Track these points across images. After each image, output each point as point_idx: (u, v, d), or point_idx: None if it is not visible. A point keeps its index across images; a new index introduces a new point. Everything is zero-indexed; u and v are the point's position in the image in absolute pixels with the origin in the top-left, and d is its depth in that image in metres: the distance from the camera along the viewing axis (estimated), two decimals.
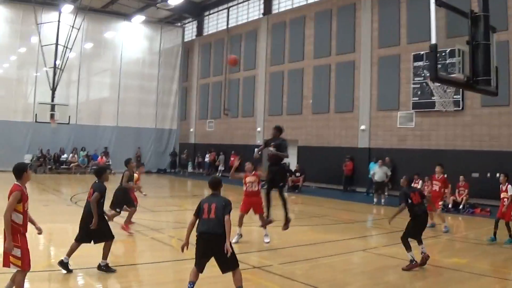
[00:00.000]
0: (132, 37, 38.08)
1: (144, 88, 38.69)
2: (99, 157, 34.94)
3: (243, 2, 36.30)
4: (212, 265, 7.24)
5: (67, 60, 31.84)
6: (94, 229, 8.59)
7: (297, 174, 27.17)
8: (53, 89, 30.98)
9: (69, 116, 31.14)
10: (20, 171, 6.80)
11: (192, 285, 7.02)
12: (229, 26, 37.28)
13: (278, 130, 12.19)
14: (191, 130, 41.26)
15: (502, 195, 12.90)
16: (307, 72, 29.97)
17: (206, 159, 36.92)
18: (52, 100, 30.66)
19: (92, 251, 9.42)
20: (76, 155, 34.33)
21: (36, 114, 30.45)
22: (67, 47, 31.48)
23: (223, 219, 6.98)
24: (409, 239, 9.87)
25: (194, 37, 41.96)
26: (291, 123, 30.59)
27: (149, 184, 28.28)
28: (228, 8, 37.55)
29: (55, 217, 14.29)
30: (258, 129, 33.48)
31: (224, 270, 7.17)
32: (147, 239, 12.36)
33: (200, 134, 40.23)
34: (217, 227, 6.97)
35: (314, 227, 15.24)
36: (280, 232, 12.98)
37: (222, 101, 37.25)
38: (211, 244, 7.03)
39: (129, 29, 37.94)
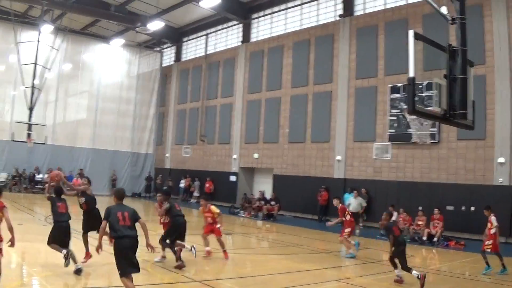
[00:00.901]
0: (110, 60, 38.07)
1: (121, 111, 38.58)
2: (74, 178, 34.49)
3: (222, 29, 36.45)
4: None
5: (45, 80, 31.77)
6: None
7: (272, 202, 27.01)
8: (31, 109, 30.63)
9: (46, 136, 30.78)
10: None
11: None
12: (207, 52, 37.36)
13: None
14: (167, 155, 41.04)
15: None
16: (284, 101, 30.03)
17: (182, 185, 36.57)
18: (29, 120, 30.31)
19: (61, 273, 9.72)
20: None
21: (13, 133, 30.14)
22: (45, 67, 31.48)
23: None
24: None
25: (172, 62, 42.02)
26: (267, 152, 30.73)
27: None
28: (207, 35, 37.67)
29: (28, 236, 14.22)
30: (234, 156, 33.38)
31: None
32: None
33: (176, 160, 40.01)
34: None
35: (289, 256, 15.13)
36: (254, 260, 13.29)
37: (198, 127, 37.11)
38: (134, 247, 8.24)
39: (108, 52, 37.95)
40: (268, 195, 28.25)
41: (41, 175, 33.90)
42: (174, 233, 12.11)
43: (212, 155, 35.78)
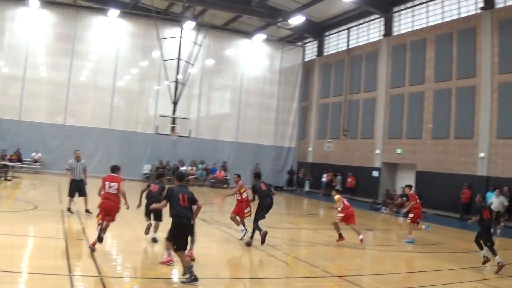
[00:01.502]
0: (253, 55, 41.41)
1: (264, 106, 41.80)
2: (218, 171, 37.93)
3: (364, 23, 38.23)
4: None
5: (188, 75, 34.78)
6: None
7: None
8: (175, 103, 33.73)
9: (190, 130, 33.55)
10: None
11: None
12: (349, 46, 39.30)
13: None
14: (309, 149, 43.54)
15: None
16: (428, 96, 31.23)
17: (324, 179, 38.63)
18: (173, 113, 33.31)
19: (205, 263, 11.51)
20: (194, 168, 37.78)
21: (157, 126, 33.34)
22: (189, 63, 34.42)
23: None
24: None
25: (314, 57, 44.35)
26: (410, 147, 31.99)
27: None
28: (348, 29, 39.67)
29: (169, 227, 16.17)
30: (377, 151, 35.12)
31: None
32: (263, 254, 13.34)
33: (318, 154, 42.42)
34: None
35: (429, 254, 15.62)
36: (394, 257, 14.29)
37: (341, 122, 39.26)
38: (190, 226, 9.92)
39: (250, 47, 41.24)
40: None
41: (184, 167, 37.23)
42: (260, 212, 14.60)
43: (354, 150, 37.76)
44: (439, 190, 28.76)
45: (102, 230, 11.44)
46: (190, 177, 36.79)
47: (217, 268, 11.71)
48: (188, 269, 9.33)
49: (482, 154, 27.22)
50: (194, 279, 9.23)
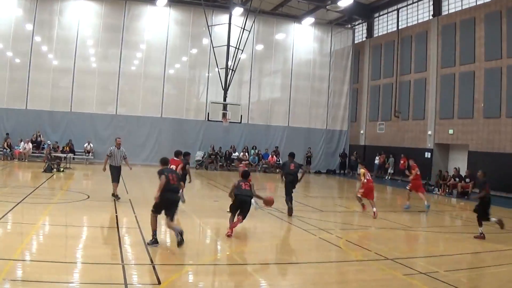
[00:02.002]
0: (302, 39, 41.63)
1: (314, 89, 42.09)
2: (270, 156, 38.40)
3: (413, 3, 37.99)
4: None
5: (238, 61, 35.31)
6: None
7: (467, 180, 28.05)
8: (225, 89, 34.47)
9: (241, 116, 34.23)
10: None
11: None
12: (399, 27, 39.15)
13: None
14: (361, 132, 43.73)
15: None
16: (479, 75, 30.99)
17: (376, 161, 38.84)
18: (224, 100, 34.06)
19: (256, 248, 11.99)
20: (247, 153, 38.41)
21: (208, 113, 34.14)
22: (238, 49, 34.85)
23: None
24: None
25: (364, 39, 44.33)
26: (462, 127, 31.86)
27: (318, 185, 30.89)
28: (398, 10, 39.47)
29: (223, 213, 16.16)
30: (429, 132, 35.09)
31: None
32: (315, 238, 13.50)
33: (370, 136, 42.64)
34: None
35: None
36: (447, 238, 14.38)
37: (392, 103, 39.23)
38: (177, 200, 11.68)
39: (299, 31, 41.47)
40: (463, 172, 29.25)
41: (236, 153, 38.08)
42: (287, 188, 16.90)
43: (406, 131, 37.79)
44: (491, 170, 28.11)
45: None
46: (243, 162, 37.42)
47: (267, 253, 12.10)
48: (153, 232, 11.10)
49: None
50: (155, 242, 11.02)
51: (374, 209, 17.44)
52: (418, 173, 20.80)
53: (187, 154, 16.98)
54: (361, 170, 18.75)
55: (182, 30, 37.85)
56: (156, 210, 11.13)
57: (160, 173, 11.19)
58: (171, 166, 14.04)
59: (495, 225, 15.75)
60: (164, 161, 11.91)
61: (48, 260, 9.30)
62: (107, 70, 36.23)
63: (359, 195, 18.45)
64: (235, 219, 12.78)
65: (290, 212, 16.55)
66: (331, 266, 10.85)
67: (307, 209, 19.11)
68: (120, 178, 18.37)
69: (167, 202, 11.02)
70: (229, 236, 12.45)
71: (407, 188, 20.81)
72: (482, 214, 14.62)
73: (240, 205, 12.94)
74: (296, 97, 41.28)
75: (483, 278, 10.33)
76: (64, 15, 35.11)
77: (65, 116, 35.27)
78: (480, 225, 14.50)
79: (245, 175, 13.80)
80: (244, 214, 12.92)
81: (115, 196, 17.59)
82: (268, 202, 14.23)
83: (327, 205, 20.74)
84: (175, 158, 15.66)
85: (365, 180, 18.19)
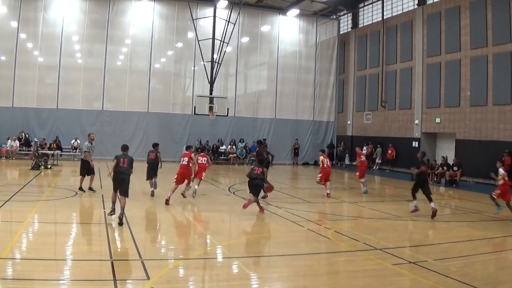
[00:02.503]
0: (287, 31, 41.50)
1: (301, 81, 42.01)
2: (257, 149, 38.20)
3: None
4: None
5: (224, 54, 35.07)
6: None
7: (455, 168, 28.09)
8: (211, 83, 34.27)
9: (228, 109, 34.06)
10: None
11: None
12: (384, 17, 39.05)
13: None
14: (348, 122, 43.82)
15: None
16: (465, 63, 31.02)
17: (364, 152, 38.46)
18: (211, 93, 33.88)
19: (245, 241, 12.04)
20: (234, 147, 38.38)
21: (194, 107, 33.91)
22: (223, 41, 34.58)
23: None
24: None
25: (349, 29, 44.39)
26: (449, 116, 31.95)
27: (306, 176, 30.93)
28: (382, 0, 39.25)
29: (213, 206, 16.79)
30: (416, 121, 35.12)
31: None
32: (304, 230, 13.59)
33: (358, 127, 42.71)
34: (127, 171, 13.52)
35: (471, 223, 15.83)
36: (436, 227, 14.46)
37: (379, 93, 39.29)
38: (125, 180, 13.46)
39: (284, 23, 41.31)
40: (451, 160, 29.33)
41: (224, 147, 38.13)
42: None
43: (393, 121, 37.87)
44: (479, 158, 28.72)
45: (172, 190, 16.80)
46: (230, 156, 37.43)
47: (256, 245, 12.17)
48: (112, 203, 13.32)
49: None
50: (112, 211, 13.22)
51: (328, 191, 20.46)
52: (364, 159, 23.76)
53: (156, 145, 19.41)
54: (320, 157, 21.28)
55: (167, 24, 37.62)
56: (113, 188, 13.36)
57: (115, 157, 13.58)
58: (184, 158, 17.53)
59: (483, 213, 16.00)
60: (122, 148, 14.15)
61: (38, 257, 9.38)
62: (92, 65, 36.02)
63: (317, 180, 20.88)
64: (248, 200, 15.53)
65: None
66: (320, 257, 10.93)
67: (296, 200, 19.20)
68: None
69: (116, 180, 13.29)
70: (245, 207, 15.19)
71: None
72: (415, 189, 16.50)
73: (252, 185, 15.66)
74: (283, 89, 41.22)
75: (472, 266, 10.40)
76: (49, 11, 34.79)
77: (51, 113, 35.06)
78: (414, 198, 16.55)
79: (260, 162, 16.89)
80: (253, 192, 15.54)
81: (89, 189, 18.71)
82: (268, 189, 17.84)
83: (315, 196, 20.76)
84: (185, 152, 18.12)
85: (325, 166, 20.70)
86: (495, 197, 16.45)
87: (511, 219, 16.04)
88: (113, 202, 13.28)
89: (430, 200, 16.09)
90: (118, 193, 13.19)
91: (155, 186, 18.60)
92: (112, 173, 13.33)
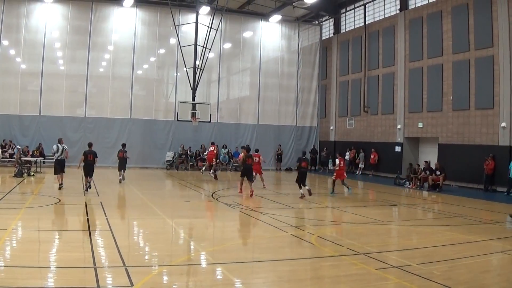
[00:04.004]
0: (270, 36, 41.57)
1: (283, 87, 42.04)
2: (240, 154, 38.06)
3: None
4: None
5: (206, 60, 34.80)
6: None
7: (438, 172, 28.16)
8: (194, 89, 34.05)
9: (210, 115, 33.88)
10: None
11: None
12: (366, 23, 39.19)
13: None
14: (331, 127, 43.76)
15: None
16: (447, 68, 31.15)
17: (346, 157, 38.72)
18: (193, 99, 33.71)
19: (228, 246, 11.93)
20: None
21: (177, 113, 33.66)
22: (206, 48, 34.35)
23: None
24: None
25: (331, 35, 44.39)
26: (431, 120, 32.08)
27: (289, 181, 30.90)
28: (364, 5, 39.54)
29: (195, 213, 16.72)
30: (398, 126, 35.18)
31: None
32: (287, 235, 13.56)
33: (340, 132, 42.71)
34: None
35: (454, 227, 15.75)
36: (420, 232, 14.45)
37: (361, 98, 39.34)
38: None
39: (267, 29, 41.37)
40: (433, 165, 29.27)
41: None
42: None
43: (376, 126, 37.94)
44: (462, 162, 29.00)
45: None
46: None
47: (240, 251, 12.05)
48: (87, 183, 20.43)
49: (503, 124, 27.12)
50: (88, 187, 20.21)
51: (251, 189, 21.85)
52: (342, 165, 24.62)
53: (124, 145, 26.40)
54: (241, 155, 24.79)
55: (150, 30, 37.42)
56: (84, 174, 20.56)
57: (83, 153, 20.73)
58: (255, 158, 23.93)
59: (466, 217, 16.03)
60: (89, 144, 21.47)
61: (21, 265, 9.30)
62: (75, 72, 35.72)
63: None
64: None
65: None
66: (304, 263, 10.94)
67: (279, 206, 19.11)
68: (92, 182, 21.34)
69: (86, 169, 20.53)
70: (240, 193, 21.63)
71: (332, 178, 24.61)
72: (299, 182, 21.45)
73: (245, 172, 21.79)
74: (265, 94, 41.19)
75: (456, 269, 10.44)
76: (31, 18, 34.47)
77: (34, 120, 34.71)
78: (300, 188, 21.50)
79: (249, 150, 22.83)
80: (249, 177, 21.75)
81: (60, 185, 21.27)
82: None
83: (299, 202, 20.73)
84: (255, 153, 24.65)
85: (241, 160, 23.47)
86: None
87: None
88: (88, 183, 20.49)
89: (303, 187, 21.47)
90: (88, 178, 20.39)
91: (123, 178, 25.10)
92: (83, 164, 20.47)
